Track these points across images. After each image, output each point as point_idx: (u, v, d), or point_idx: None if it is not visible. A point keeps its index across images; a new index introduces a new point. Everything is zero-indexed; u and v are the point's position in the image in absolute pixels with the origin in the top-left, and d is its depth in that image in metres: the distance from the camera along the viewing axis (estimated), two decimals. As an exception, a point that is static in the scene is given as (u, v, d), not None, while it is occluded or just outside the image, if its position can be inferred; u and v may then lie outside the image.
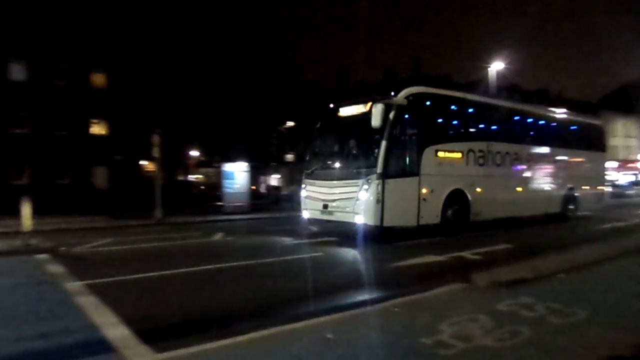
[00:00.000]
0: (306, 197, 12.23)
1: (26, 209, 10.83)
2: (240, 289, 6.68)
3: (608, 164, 23.13)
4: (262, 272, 8.00)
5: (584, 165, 17.44)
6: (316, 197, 11.82)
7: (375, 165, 10.65)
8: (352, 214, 10.83)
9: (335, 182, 11.37)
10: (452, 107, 12.99)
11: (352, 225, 10.91)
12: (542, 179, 15.70)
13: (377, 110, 10.47)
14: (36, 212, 10.97)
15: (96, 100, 29.05)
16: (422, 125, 11.69)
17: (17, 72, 27.09)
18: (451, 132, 12.99)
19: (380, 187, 10.54)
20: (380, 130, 10.69)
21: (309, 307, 5.59)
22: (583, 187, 17.15)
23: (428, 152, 11.65)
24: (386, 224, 10.74)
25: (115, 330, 4.75)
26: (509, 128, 14.71)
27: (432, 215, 11.70)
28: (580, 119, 18.38)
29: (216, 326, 4.95)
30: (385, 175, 10.62)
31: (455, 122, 13.23)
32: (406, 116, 11.35)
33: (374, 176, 10.57)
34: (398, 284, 6.78)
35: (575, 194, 16.85)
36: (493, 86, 25.85)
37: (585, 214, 17.14)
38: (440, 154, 12.05)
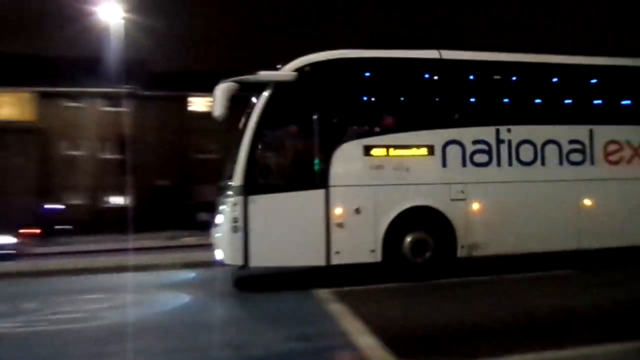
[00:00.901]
0: None
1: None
2: (496, 305, 6.25)
3: None
4: (515, 288, 7.34)
5: None
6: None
7: (234, 176, 7.13)
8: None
9: (218, 200, 8.00)
10: (405, 76, 8.08)
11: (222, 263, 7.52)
12: None
13: (220, 94, 7.06)
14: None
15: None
16: (334, 109, 7.62)
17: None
18: (403, 115, 8.04)
19: (240, 208, 6.98)
20: (247, 122, 7.26)
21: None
22: None
23: (347, 150, 7.42)
24: (255, 263, 7.10)
25: (364, 338, 4.88)
26: (553, 100, 8.57)
27: (360, 249, 7.38)
28: None
29: (467, 343, 4.71)
30: (249, 190, 7.03)
31: (410, 99, 8.15)
32: (297, 98, 7.47)
33: (232, 191, 7.14)
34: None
35: None
36: None
37: None
38: (378, 152, 7.52)
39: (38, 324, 5.95)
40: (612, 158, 8.52)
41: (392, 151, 7.64)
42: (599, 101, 8.87)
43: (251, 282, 8.13)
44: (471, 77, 8.35)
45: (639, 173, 8.65)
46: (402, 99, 8.22)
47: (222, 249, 7.37)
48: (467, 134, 7.91)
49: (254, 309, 6.55)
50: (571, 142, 8.33)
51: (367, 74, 8.00)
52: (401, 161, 7.63)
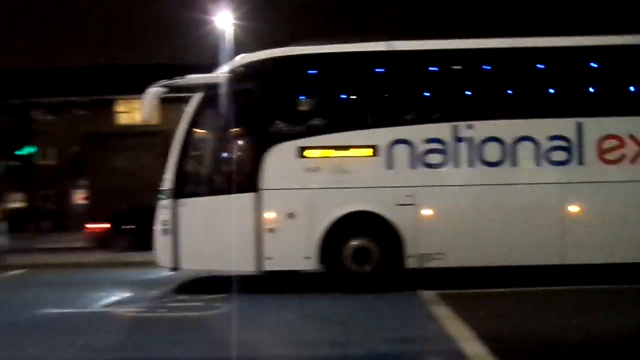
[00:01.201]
0: None
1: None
2: (616, 318, 5.67)
3: None
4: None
5: None
6: None
7: (165, 179, 7.22)
8: None
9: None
10: (347, 71, 7.56)
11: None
12: None
13: (147, 98, 7.17)
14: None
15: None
16: (267, 109, 7.33)
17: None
18: (343, 114, 7.62)
19: (169, 211, 7.07)
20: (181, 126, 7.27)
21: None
22: None
23: (280, 152, 7.12)
24: (186, 266, 7.20)
25: (471, 345, 4.68)
26: (527, 91, 7.57)
27: (293, 255, 7.10)
28: None
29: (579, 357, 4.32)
30: (178, 193, 7.09)
31: (352, 96, 7.72)
32: (229, 99, 7.27)
33: (163, 194, 7.21)
34: None
35: None
36: None
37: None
38: (313, 153, 7.14)
39: (160, 310, 6.52)
40: (610, 156, 7.11)
41: (329, 152, 7.19)
42: (592, 90, 7.54)
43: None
44: (424, 68, 7.56)
45: None
46: (343, 96, 7.73)
47: (156, 252, 7.42)
48: (418, 132, 7.20)
49: (358, 308, 6.52)
50: (553, 138, 7.09)
51: (304, 72, 7.59)
52: (340, 163, 7.15)
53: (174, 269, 7.29)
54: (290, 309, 6.60)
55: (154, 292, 7.68)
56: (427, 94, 7.75)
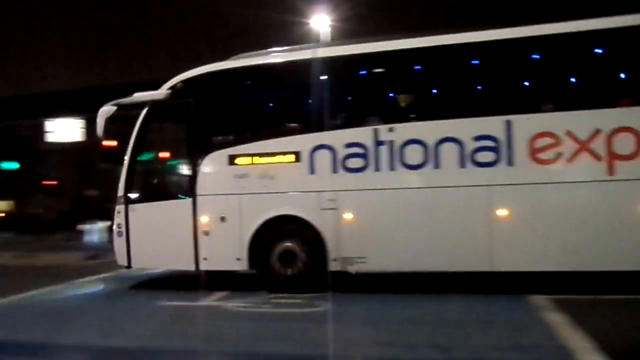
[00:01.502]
0: None
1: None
2: None
3: None
4: None
5: None
6: None
7: (119, 186, 8.03)
8: None
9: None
10: (272, 82, 7.88)
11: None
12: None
13: (99, 117, 7.79)
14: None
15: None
16: (203, 121, 7.78)
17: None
18: (270, 122, 8.14)
19: (123, 215, 7.91)
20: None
21: None
22: None
23: (212, 160, 7.59)
24: (136, 264, 8.08)
25: (590, 357, 4.31)
26: (447, 91, 7.41)
27: (225, 256, 7.52)
28: None
29: None
30: (129, 199, 7.92)
31: (277, 105, 8.28)
32: (171, 114, 8.18)
33: (117, 200, 8.02)
34: None
35: None
36: None
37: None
38: (241, 161, 7.48)
39: (265, 306, 6.79)
40: (544, 156, 6.60)
41: (255, 159, 7.48)
42: (519, 85, 7.23)
43: (466, 282, 7.83)
44: (344, 73, 7.75)
45: (591, 174, 6.48)
46: (269, 105, 8.17)
47: (115, 252, 8.22)
48: (338, 137, 7.24)
49: (464, 311, 6.31)
50: (478, 138, 6.75)
51: (231, 86, 7.94)
52: (266, 169, 7.42)
53: (128, 267, 8.16)
54: (390, 309, 6.54)
55: (256, 289, 8.01)
56: (348, 99, 7.98)
